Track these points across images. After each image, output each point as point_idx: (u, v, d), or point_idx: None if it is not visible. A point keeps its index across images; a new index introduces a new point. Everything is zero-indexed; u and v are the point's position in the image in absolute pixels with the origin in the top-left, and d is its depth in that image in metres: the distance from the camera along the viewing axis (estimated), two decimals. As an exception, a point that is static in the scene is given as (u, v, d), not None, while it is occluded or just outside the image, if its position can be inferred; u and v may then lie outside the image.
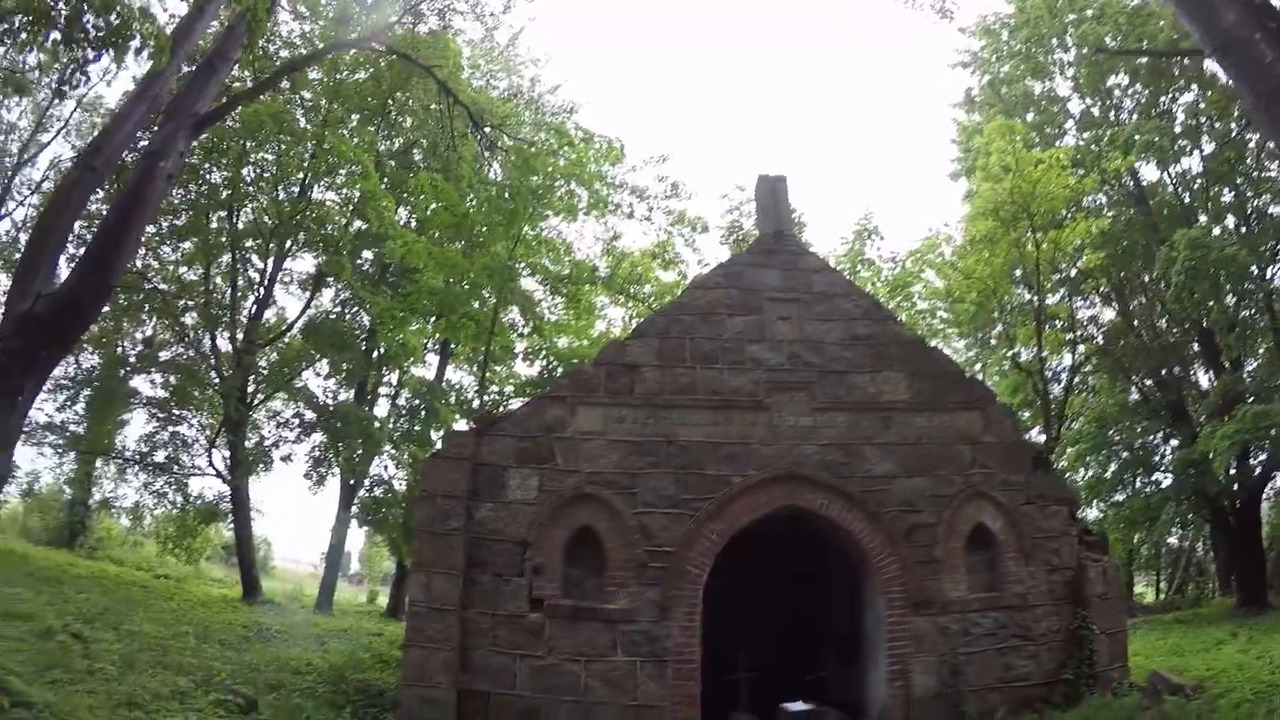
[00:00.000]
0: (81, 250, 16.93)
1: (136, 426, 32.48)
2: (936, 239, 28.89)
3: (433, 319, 27.49)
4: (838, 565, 15.33)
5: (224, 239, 30.05)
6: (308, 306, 32.19)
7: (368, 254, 31.57)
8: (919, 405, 14.47)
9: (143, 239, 28.60)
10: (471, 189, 23.15)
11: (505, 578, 13.53)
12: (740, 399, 14.31)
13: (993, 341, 30.76)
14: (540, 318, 26.35)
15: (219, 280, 31.37)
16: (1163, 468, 31.11)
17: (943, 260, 28.09)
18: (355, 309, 31.99)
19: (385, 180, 27.40)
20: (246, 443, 29.95)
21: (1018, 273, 25.59)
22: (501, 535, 13.75)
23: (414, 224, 29.76)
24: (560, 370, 24.26)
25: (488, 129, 20.93)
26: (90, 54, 11.56)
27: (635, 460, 13.97)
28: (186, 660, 15.27)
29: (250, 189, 30.33)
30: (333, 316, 32.10)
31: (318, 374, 32.41)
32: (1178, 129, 28.34)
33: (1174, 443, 30.75)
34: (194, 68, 15.97)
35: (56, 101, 32.46)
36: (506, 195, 22.07)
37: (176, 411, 30.92)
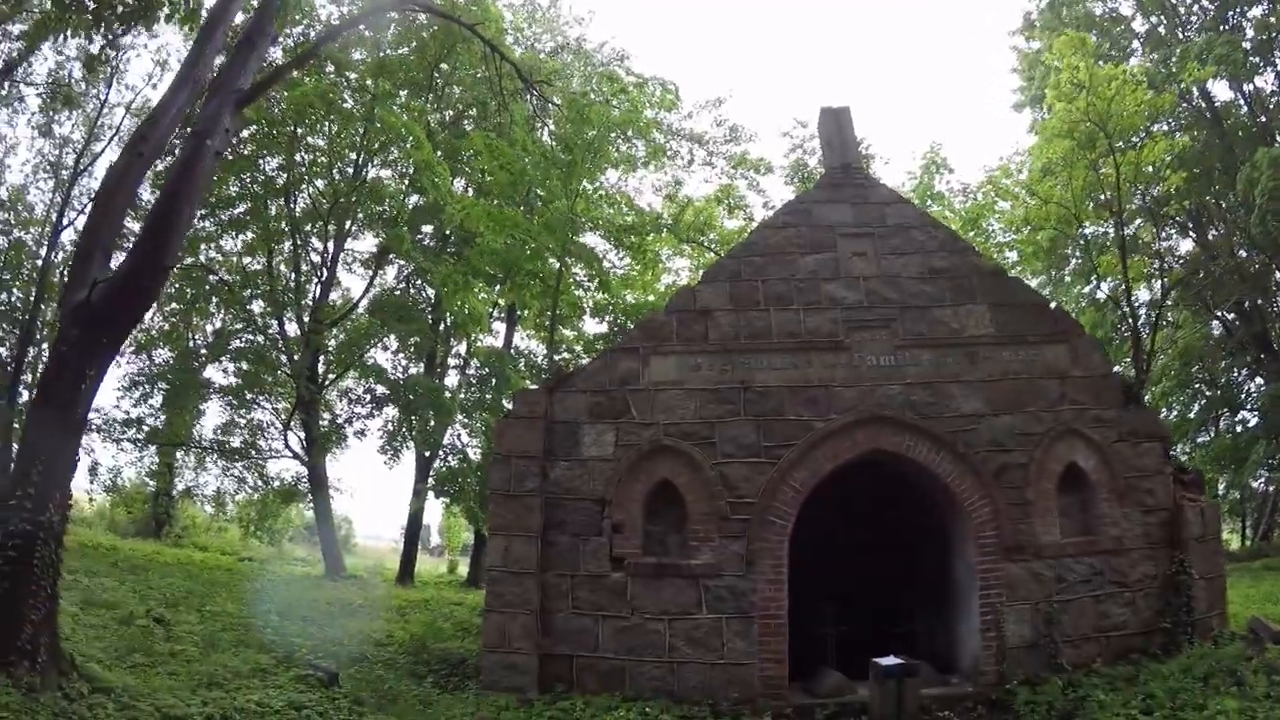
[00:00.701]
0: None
1: (213, 416, 32.38)
2: (1009, 166, 27.78)
3: (496, 283, 26.61)
4: (925, 510, 14.31)
5: (284, 225, 29.85)
6: (371, 284, 32.10)
7: (427, 228, 31.10)
8: (1004, 339, 13.44)
9: (201, 228, 29.07)
10: (526, 151, 22.08)
11: (584, 537, 12.90)
12: (819, 340, 13.41)
13: (1068, 278, 29.62)
14: (605, 273, 25.16)
15: (283, 267, 31.25)
16: (1249, 405, 29.96)
17: (1019, 184, 26.72)
18: (419, 283, 31.63)
19: (440, 152, 26.60)
20: (320, 422, 29.91)
21: (1091, 205, 24.29)
22: (579, 494, 13.11)
23: (471, 193, 29.22)
24: (629, 326, 23.35)
25: (537, 85, 20.10)
26: (119, 29, 11.27)
27: (713, 409, 13.18)
28: (268, 638, 15.11)
29: (305, 174, 30.09)
30: (398, 292, 31.87)
31: (385, 349, 32.23)
32: (1247, 45, 26.74)
33: (1259, 379, 29.60)
34: (234, 46, 15.42)
35: (106, 110, 32.31)
36: (562, 150, 21.31)
37: (250, 396, 30.70)
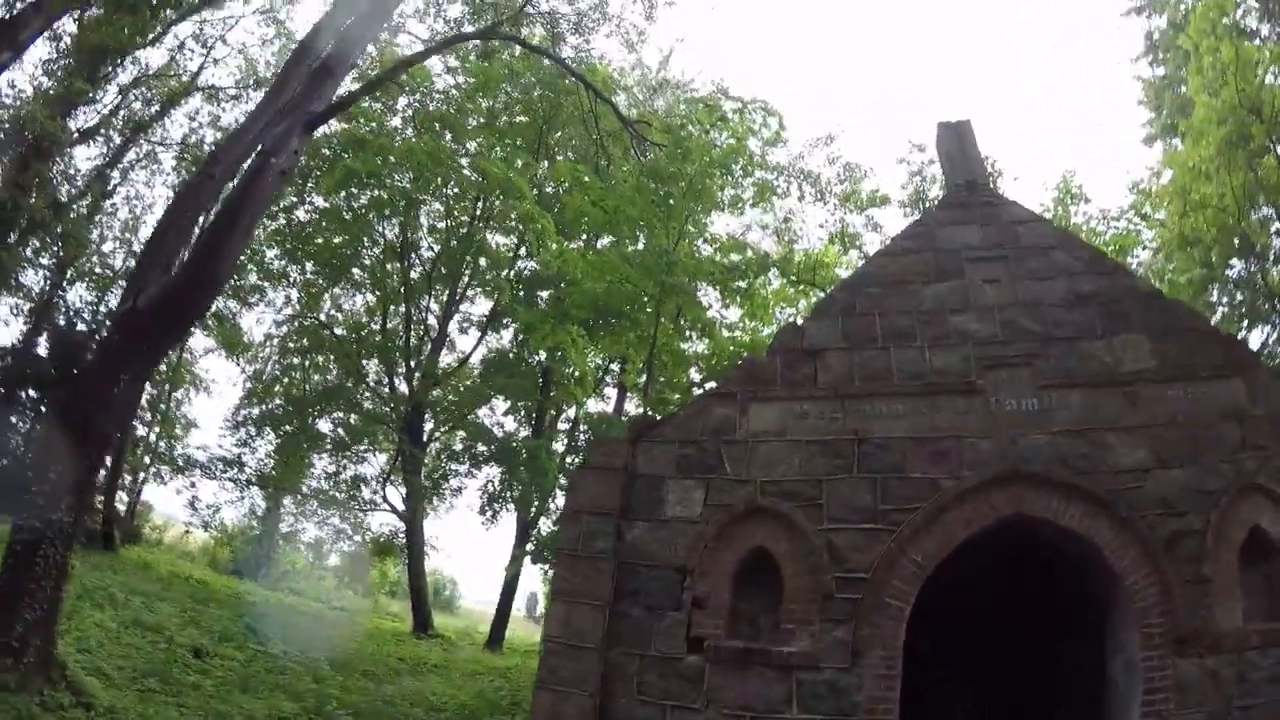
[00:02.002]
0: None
1: (317, 465, 31.66)
2: (1149, 191, 24.07)
3: (591, 331, 23.92)
4: (1076, 589, 11.12)
5: (399, 286, 29.50)
6: (479, 344, 31.39)
7: (544, 293, 29.37)
8: (1168, 375, 10.22)
9: (319, 284, 29.32)
10: (625, 195, 19.64)
11: (659, 611, 10.22)
12: (947, 381, 10.58)
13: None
14: (708, 319, 22.25)
15: (401, 329, 30.53)
16: None
17: (1167, 193, 22.62)
18: (527, 343, 29.88)
19: (551, 213, 24.89)
20: (421, 480, 28.74)
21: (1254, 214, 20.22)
22: (656, 560, 10.51)
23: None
24: (735, 377, 20.49)
25: (636, 125, 18.25)
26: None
27: (821, 464, 10.44)
28: (305, 686, 13.76)
29: (423, 237, 29.90)
30: (511, 355, 30.54)
31: (492, 411, 31.13)
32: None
33: None
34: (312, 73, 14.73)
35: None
36: (657, 184, 18.85)
37: (357, 450, 30.14)
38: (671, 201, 18.64)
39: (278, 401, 30.39)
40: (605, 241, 24.78)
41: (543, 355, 28.05)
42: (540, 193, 26.01)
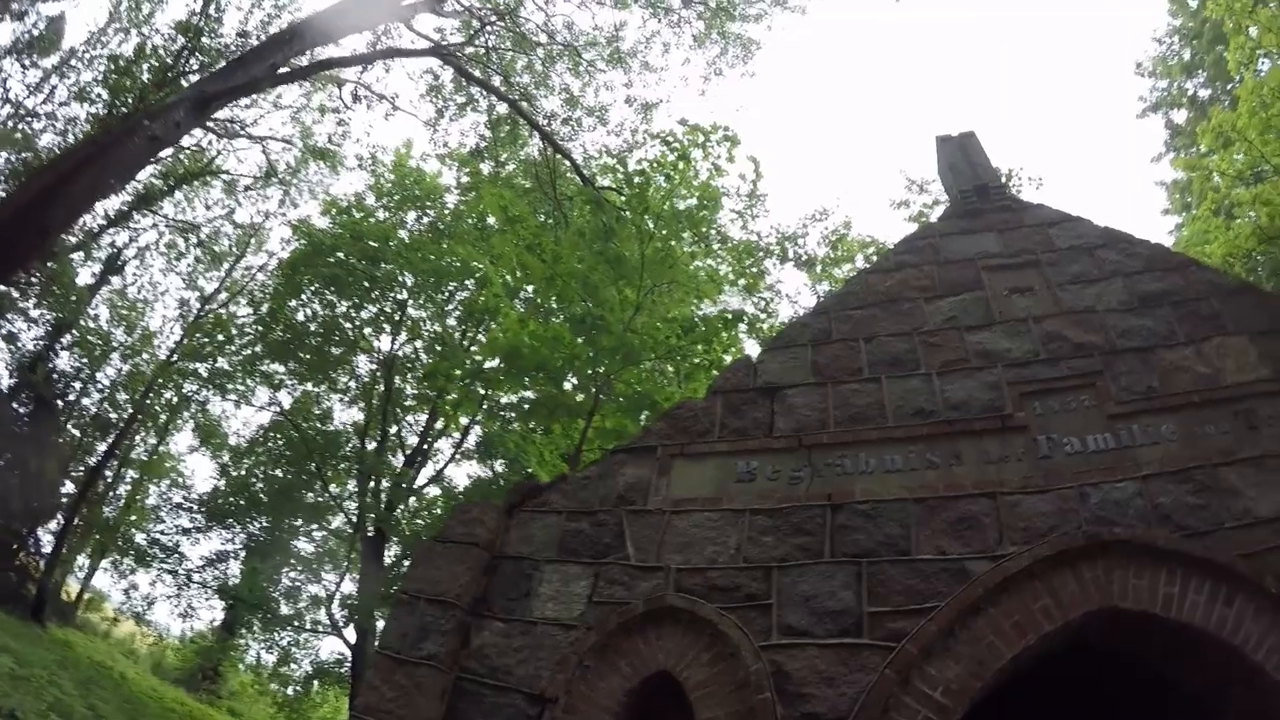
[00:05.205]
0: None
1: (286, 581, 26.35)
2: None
3: (535, 412, 18.27)
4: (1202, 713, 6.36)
5: (384, 403, 24.72)
6: (449, 462, 26.26)
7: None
8: None
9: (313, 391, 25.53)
10: (573, 239, 15.39)
11: (501, 762, 5.55)
12: (970, 418, 6.12)
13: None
14: (656, 388, 16.80)
15: (375, 441, 25.50)
16: None
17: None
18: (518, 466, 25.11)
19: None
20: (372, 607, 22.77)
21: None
22: (509, 679, 5.87)
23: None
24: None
25: (599, 190, 14.35)
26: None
27: (773, 544, 5.90)
28: None
29: (416, 350, 25.27)
30: (502, 482, 25.00)
31: None
32: None
33: None
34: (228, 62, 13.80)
35: (244, 270, 29.85)
36: (605, 222, 14.43)
37: (319, 568, 24.93)
38: (630, 255, 13.94)
39: (237, 498, 25.68)
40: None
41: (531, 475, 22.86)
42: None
